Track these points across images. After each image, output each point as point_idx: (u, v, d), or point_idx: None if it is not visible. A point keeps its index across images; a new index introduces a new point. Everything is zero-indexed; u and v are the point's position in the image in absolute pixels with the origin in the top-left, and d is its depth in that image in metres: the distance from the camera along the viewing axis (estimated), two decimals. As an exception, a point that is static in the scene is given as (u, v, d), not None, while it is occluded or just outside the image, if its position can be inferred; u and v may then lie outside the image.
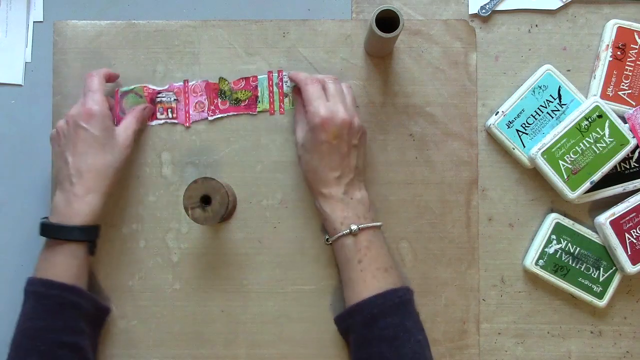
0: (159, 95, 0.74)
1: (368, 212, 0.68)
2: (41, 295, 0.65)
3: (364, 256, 0.66)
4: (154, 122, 0.74)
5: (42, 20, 0.76)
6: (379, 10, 0.66)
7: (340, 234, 0.67)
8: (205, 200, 0.65)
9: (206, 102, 0.74)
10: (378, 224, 0.68)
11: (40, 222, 0.67)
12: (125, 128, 0.70)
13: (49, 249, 0.66)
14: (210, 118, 0.74)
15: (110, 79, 0.72)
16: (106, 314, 0.71)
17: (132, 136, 0.70)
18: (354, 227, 0.66)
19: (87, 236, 0.67)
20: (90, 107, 0.67)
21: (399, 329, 0.64)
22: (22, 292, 0.67)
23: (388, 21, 0.67)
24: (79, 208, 0.66)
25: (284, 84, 0.75)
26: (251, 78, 0.75)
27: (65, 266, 0.66)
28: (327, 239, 0.69)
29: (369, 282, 0.66)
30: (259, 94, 0.74)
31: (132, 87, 0.74)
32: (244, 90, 0.74)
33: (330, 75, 0.71)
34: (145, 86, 0.74)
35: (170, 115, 0.74)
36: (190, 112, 0.74)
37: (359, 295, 0.66)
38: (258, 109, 0.74)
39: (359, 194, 0.69)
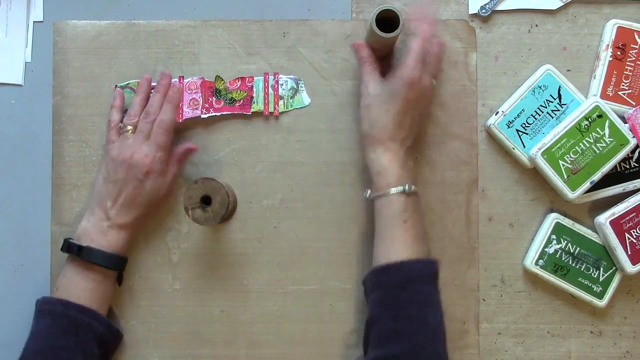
0: (154, 91, 0.74)
1: (414, 180, 0.68)
2: (58, 315, 0.65)
3: (410, 218, 0.66)
4: None
5: (42, 20, 0.76)
6: (379, 10, 0.66)
7: (395, 190, 0.66)
8: (206, 201, 0.65)
9: (200, 100, 0.74)
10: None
11: (69, 242, 0.67)
12: (172, 181, 0.71)
13: (73, 270, 0.67)
14: (203, 116, 0.74)
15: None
16: (119, 340, 0.71)
17: (172, 185, 0.72)
18: (407, 186, 0.66)
19: (117, 265, 0.68)
20: (146, 163, 0.68)
21: (429, 298, 0.64)
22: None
23: (388, 21, 0.67)
24: (112, 239, 0.68)
25: (279, 86, 0.75)
26: (247, 78, 0.75)
27: (88, 291, 0.66)
28: (370, 194, 0.68)
29: (410, 244, 0.65)
30: (254, 95, 0.74)
31: (128, 82, 0.74)
32: (239, 90, 0.74)
33: (434, 39, 0.70)
34: (140, 81, 0.74)
35: None
36: (184, 108, 0.74)
37: (399, 254, 0.65)
38: (252, 110, 0.74)
39: (411, 162, 0.69)
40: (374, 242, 0.68)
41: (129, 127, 0.70)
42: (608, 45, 0.74)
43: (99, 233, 0.67)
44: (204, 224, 0.65)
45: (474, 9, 0.76)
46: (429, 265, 0.65)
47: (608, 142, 0.71)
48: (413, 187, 0.66)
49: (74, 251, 0.67)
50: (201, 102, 0.74)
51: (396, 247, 0.65)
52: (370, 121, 0.68)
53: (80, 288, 0.66)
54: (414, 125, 0.68)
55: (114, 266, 0.68)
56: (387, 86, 0.67)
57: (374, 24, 0.66)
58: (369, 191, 0.69)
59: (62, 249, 0.68)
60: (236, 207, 0.74)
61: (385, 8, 0.66)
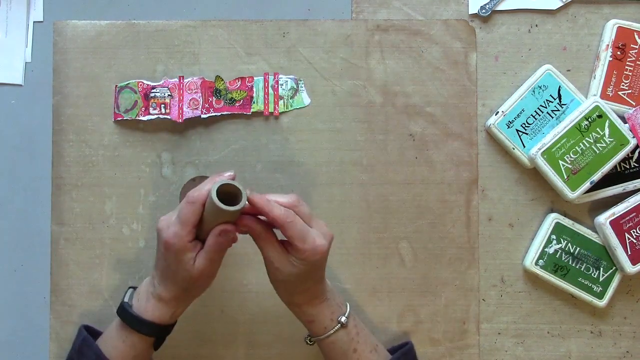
0: (153, 91, 0.74)
1: (339, 295, 0.66)
2: None
3: (357, 343, 0.64)
4: (146, 117, 0.74)
5: (42, 20, 0.76)
6: (219, 184, 0.56)
7: (333, 330, 0.63)
8: None
9: (200, 100, 0.74)
10: (349, 306, 0.66)
11: (123, 302, 0.64)
12: (201, 263, 0.60)
13: (115, 326, 0.65)
14: (203, 116, 0.74)
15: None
16: None
17: (208, 269, 0.60)
18: (342, 319, 0.63)
19: (152, 332, 0.63)
20: (167, 237, 0.59)
21: None
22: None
23: (229, 195, 0.57)
24: (151, 307, 0.63)
25: (279, 86, 0.75)
26: (247, 78, 0.75)
27: (121, 353, 0.64)
28: (310, 339, 0.66)
29: None
30: (254, 95, 0.74)
31: (128, 82, 0.74)
32: (239, 90, 0.74)
33: (286, 196, 0.60)
34: (140, 81, 0.74)
35: (162, 110, 0.74)
36: (184, 108, 0.74)
37: None
38: (252, 110, 0.74)
39: (326, 284, 0.65)
40: None
41: None
42: (608, 45, 0.74)
43: (143, 297, 0.64)
44: None
45: (474, 9, 0.76)
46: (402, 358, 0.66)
47: (608, 142, 0.71)
48: (347, 312, 0.64)
49: (117, 310, 0.64)
50: (201, 102, 0.74)
51: None
52: (291, 291, 0.63)
53: (114, 346, 0.64)
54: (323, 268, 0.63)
55: (147, 332, 0.63)
56: (303, 268, 0.60)
57: (215, 197, 0.56)
58: (308, 337, 0.67)
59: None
60: None
61: (225, 183, 0.57)
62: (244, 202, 0.56)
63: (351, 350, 0.64)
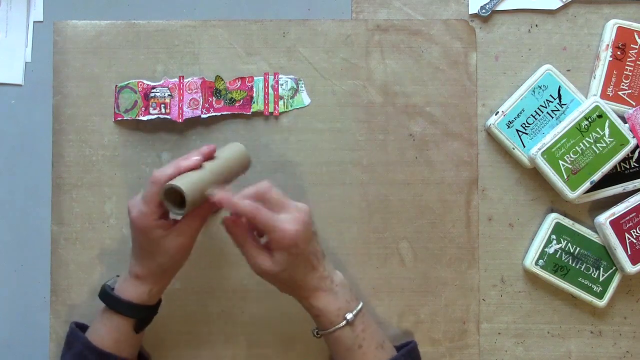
0: (153, 90, 0.74)
1: (350, 292, 0.66)
2: (77, 354, 0.65)
3: (363, 340, 0.64)
4: (146, 117, 0.74)
5: (42, 20, 0.76)
6: (167, 187, 0.59)
7: (339, 326, 0.63)
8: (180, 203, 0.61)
9: (200, 100, 0.74)
10: (361, 304, 0.66)
11: (104, 284, 0.65)
12: (177, 236, 0.62)
13: (101, 312, 0.66)
14: (203, 116, 0.74)
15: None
16: None
17: (181, 246, 0.62)
18: (349, 316, 0.64)
19: (131, 312, 0.64)
20: (133, 216, 0.61)
21: None
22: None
23: (180, 198, 0.59)
24: (130, 287, 0.64)
25: (279, 86, 0.75)
26: (247, 78, 0.75)
27: (105, 336, 0.65)
28: (318, 332, 0.66)
29: None
30: (254, 95, 0.74)
31: (128, 82, 0.74)
32: (239, 90, 0.74)
33: (255, 185, 0.62)
34: (140, 81, 0.74)
35: (163, 110, 0.74)
36: (184, 108, 0.74)
37: None
38: (252, 110, 0.74)
39: (336, 276, 0.65)
40: None
41: None
42: (608, 45, 0.74)
43: (122, 278, 0.65)
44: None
45: (474, 9, 0.76)
46: (406, 357, 0.66)
47: (608, 142, 0.71)
48: (355, 310, 0.64)
49: (99, 293, 0.65)
50: (201, 102, 0.74)
51: None
52: (286, 288, 0.64)
53: (99, 332, 0.65)
54: (316, 250, 0.63)
55: (126, 312, 0.64)
56: (279, 257, 0.61)
57: (164, 199, 0.59)
58: (315, 330, 0.66)
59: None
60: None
61: (169, 187, 0.58)
62: (187, 209, 0.59)
63: (356, 346, 0.64)
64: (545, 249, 0.73)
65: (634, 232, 0.71)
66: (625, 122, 0.73)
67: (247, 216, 0.60)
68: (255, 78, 0.75)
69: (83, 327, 0.68)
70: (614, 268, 0.73)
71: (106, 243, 0.74)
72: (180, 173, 0.60)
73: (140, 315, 0.65)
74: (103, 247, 0.74)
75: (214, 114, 0.74)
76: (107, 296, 0.64)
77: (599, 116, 0.71)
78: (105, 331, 0.64)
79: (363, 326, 0.65)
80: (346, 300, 0.64)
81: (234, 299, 0.74)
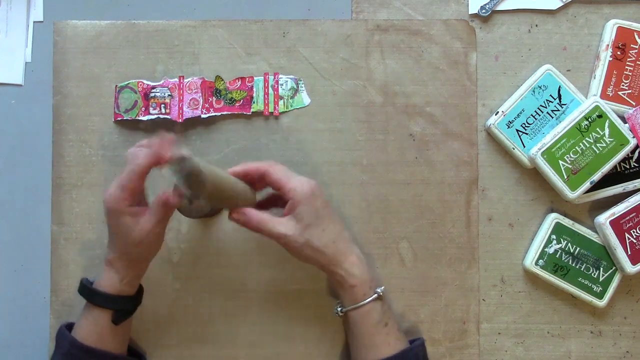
0: (153, 90, 0.74)
1: (373, 270, 0.65)
2: (64, 354, 0.65)
3: (389, 318, 0.64)
4: (146, 117, 0.74)
5: (42, 20, 0.76)
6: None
7: (371, 299, 0.63)
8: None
9: (200, 100, 0.74)
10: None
11: (82, 279, 0.66)
12: (142, 227, 0.61)
13: (83, 308, 0.66)
14: (203, 116, 0.74)
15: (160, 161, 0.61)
16: None
17: (150, 233, 0.61)
18: (380, 289, 0.63)
19: (106, 302, 0.64)
20: (105, 199, 0.61)
21: None
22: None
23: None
24: (103, 276, 0.64)
25: (279, 86, 0.75)
26: (247, 78, 0.75)
27: (86, 330, 0.64)
28: (342, 309, 0.65)
29: (393, 344, 0.64)
30: (254, 95, 0.74)
31: (128, 82, 0.74)
32: (239, 90, 0.74)
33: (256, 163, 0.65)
34: (140, 81, 0.74)
35: (162, 110, 0.74)
36: (184, 108, 0.74)
37: (386, 354, 0.64)
38: (252, 110, 0.74)
39: (358, 249, 0.66)
40: (350, 346, 0.68)
41: None
42: (608, 45, 0.74)
43: (101, 269, 0.65)
44: (189, 217, 0.66)
45: (474, 9, 0.76)
46: (416, 352, 0.66)
47: (608, 142, 0.71)
48: (382, 287, 0.65)
49: (78, 288, 0.65)
50: (201, 102, 0.74)
51: (381, 349, 0.64)
52: (318, 253, 0.63)
53: (81, 326, 0.65)
54: (335, 213, 0.64)
55: (101, 303, 0.64)
56: (302, 213, 0.62)
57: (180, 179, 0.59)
58: (339, 307, 0.66)
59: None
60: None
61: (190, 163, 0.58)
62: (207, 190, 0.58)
63: (383, 323, 0.64)
64: (545, 249, 0.73)
65: (634, 232, 0.71)
66: (625, 122, 0.73)
67: (263, 169, 0.62)
68: (255, 78, 0.75)
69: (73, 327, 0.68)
70: (614, 268, 0.73)
71: (106, 243, 0.73)
72: (156, 156, 0.59)
73: (116, 306, 0.64)
74: (103, 247, 0.74)
75: (214, 114, 0.74)
76: (83, 289, 0.65)
77: (599, 116, 0.71)
78: (87, 325, 0.65)
79: (388, 305, 0.65)
80: (373, 277, 0.64)
81: (234, 299, 0.74)
